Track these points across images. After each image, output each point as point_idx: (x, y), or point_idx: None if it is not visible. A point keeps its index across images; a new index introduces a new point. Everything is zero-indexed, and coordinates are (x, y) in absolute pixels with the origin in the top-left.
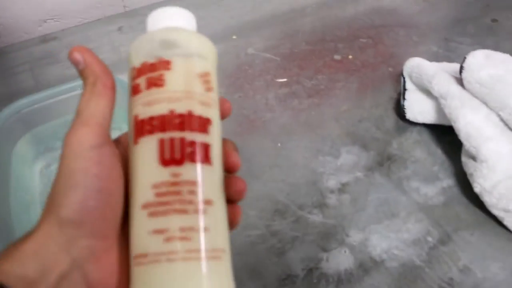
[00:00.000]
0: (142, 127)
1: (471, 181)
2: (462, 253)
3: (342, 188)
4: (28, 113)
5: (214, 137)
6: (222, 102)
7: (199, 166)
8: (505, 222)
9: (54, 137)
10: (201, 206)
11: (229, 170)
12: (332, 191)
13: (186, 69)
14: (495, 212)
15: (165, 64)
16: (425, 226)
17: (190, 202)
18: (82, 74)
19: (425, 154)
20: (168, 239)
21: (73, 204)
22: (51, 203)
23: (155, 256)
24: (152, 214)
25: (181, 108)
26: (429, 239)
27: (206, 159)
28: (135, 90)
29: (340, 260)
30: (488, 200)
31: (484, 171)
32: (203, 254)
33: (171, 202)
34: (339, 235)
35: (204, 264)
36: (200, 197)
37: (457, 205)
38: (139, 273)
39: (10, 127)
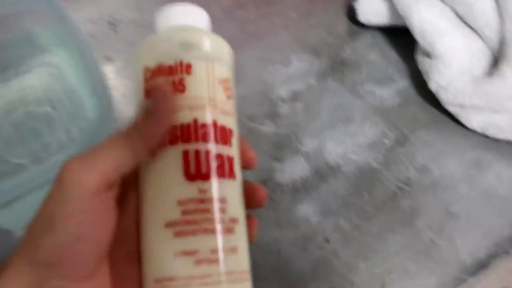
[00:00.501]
0: (177, 136)
1: (426, 79)
2: (419, 152)
3: (294, 96)
4: None
5: (235, 149)
6: (245, 150)
7: (226, 182)
8: (461, 119)
9: None
10: (229, 225)
11: (245, 166)
12: (284, 100)
13: (208, 74)
14: (451, 109)
15: (186, 68)
16: (381, 129)
17: (220, 220)
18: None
19: (379, 57)
20: (199, 262)
21: (48, 247)
22: (26, 241)
23: (185, 280)
24: (179, 234)
25: (204, 117)
26: (386, 141)
27: (231, 174)
28: (150, 93)
29: (295, 169)
30: (445, 97)
31: (440, 67)
32: (238, 276)
33: (200, 221)
34: (293, 143)
35: (242, 287)
36: (228, 215)
37: (413, 106)
38: None
39: None
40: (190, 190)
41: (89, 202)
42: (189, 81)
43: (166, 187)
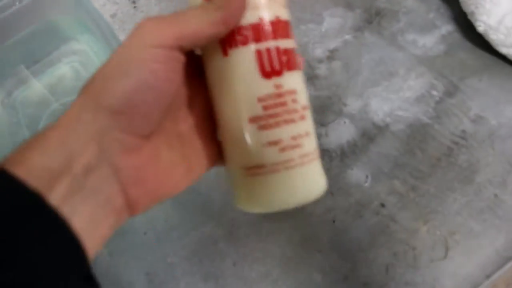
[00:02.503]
0: (233, 37)
1: (473, 20)
2: (471, 102)
3: (331, 55)
4: None
5: (294, 40)
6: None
7: (296, 74)
8: None
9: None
10: (303, 112)
11: None
12: (320, 61)
13: None
14: (503, 50)
15: None
16: (428, 80)
17: (295, 110)
18: None
19: (417, 1)
20: (283, 149)
21: (119, 93)
22: (91, 87)
23: (273, 166)
24: (263, 127)
25: (269, 15)
26: (434, 93)
27: (298, 65)
28: None
29: (340, 132)
30: (495, 38)
31: (487, 6)
32: (312, 156)
33: (280, 114)
34: (335, 106)
35: (315, 164)
36: (300, 104)
37: (461, 51)
38: (258, 183)
39: None
40: (268, 86)
41: (164, 54)
42: None
43: (244, 85)
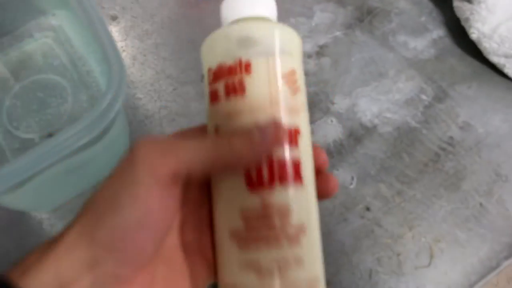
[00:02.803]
0: None
1: (466, 27)
2: (460, 108)
3: (321, 51)
4: None
5: (304, 149)
6: (327, 179)
7: (290, 189)
8: (506, 70)
9: None
10: (294, 234)
11: (317, 170)
12: (309, 56)
13: (269, 70)
14: (494, 59)
15: (245, 67)
16: (417, 84)
17: (283, 231)
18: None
19: (409, 3)
20: (261, 274)
21: (112, 229)
22: (86, 218)
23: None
24: (242, 244)
25: (266, 119)
26: (423, 97)
27: (298, 178)
28: (213, 97)
29: (327, 131)
30: (488, 46)
31: (483, 13)
32: (298, 286)
33: (262, 232)
34: (323, 103)
35: None
36: (293, 224)
37: (451, 57)
38: None
39: None
40: (252, 200)
41: (159, 190)
42: (249, 81)
43: (230, 196)
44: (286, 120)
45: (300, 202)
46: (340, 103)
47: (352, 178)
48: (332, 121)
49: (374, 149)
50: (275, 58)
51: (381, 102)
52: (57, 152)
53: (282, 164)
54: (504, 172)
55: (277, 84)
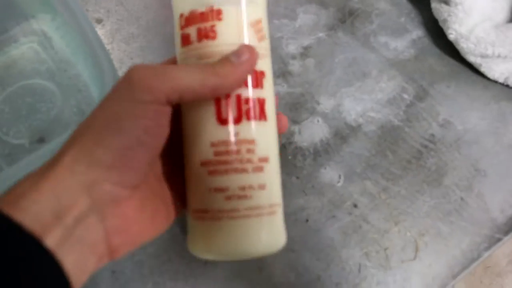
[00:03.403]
0: None
1: (444, 28)
2: (440, 107)
3: (305, 52)
4: None
5: (268, 91)
6: (279, 118)
7: (255, 124)
8: (482, 69)
9: None
10: (258, 164)
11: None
12: (294, 57)
13: (238, 18)
14: (471, 59)
15: (216, 14)
16: (399, 83)
17: (249, 160)
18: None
19: (389, 5)
20: (229, 198)
21: (112, 149)
22: (83, 140)
23: (217, 213)
24: (212, 173)
25: None
26: (405, 96)
27: (262, 116)
28: (185, 41)
29: (314, 131)
30: (465, 46)
31: (460, 15)
32: (261, 210)
33: (230, 161)
34: (308, 103)
35: (263, 220)
36: (258, 155)
37: (430, 57)
38: (199, 227)
39: None
40: (222, 133)
41: (154, 110)
42: (220, 27)
43: (201, 130)
44: (259, 65)
45: (264, 136)
46: (325, 103)
47: (339, 176)
48: (318, 121)
49: (359, 148)
50: (244, 6)
51: (365, 102)
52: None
53: (249, 102)
54: (482, 167)
55: (246, 31)
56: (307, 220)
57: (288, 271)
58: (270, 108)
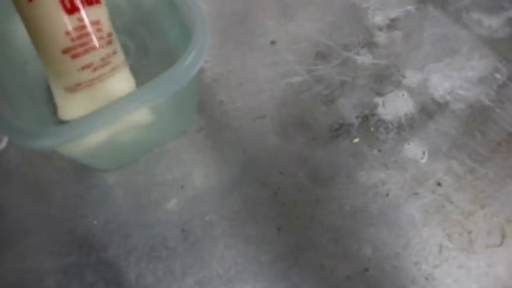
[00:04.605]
0: None
1: None
2: None
3: (392, 24)
4: None
5: None
6: None
7: (94, 8)
8: None
9: None
10: (108, 38)
11: None
12: (380, 28)
13: None
14: None
15: None
16: (491, 62)
17: (101, 38)
18: None
19: None
20: (95, 69)
21: None
22: None
23: (89, 82)
24: (75, 56)
25: None
26: (498, 76)
27: (97, 0)
28: None
29: (398, 104)
30: None
31: None
32: (119, 67)
33: (87, 42)
34: (394, 76)
35: (123, 71)
36: (105, 31)
37: None
38: (77, 97)
39: None
40: (71, 21)
41: None
42: None
43: (51, 23)
44: None
45: (104, 16)
46: (412, 77)
47: (424, 153)
48: (403, 94)
49: (446, 125)
50: None
51: (453, 79)
52: (138, 103)
53: None
54: None
55: None
56: (387, 195)
57: (365, 245)
58: None
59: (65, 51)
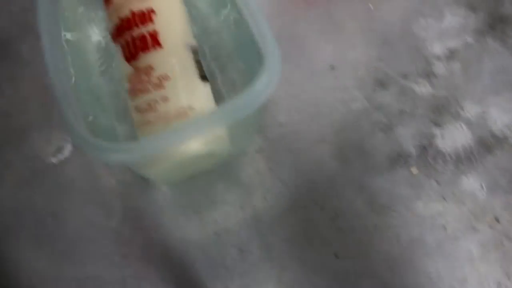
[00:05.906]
0: (115, 33)
1: None
2: None
3: (450, 55)
4: None
5: (161, 21)
6: None
7: (151, 53)
8: None
9: None
10: (158, 82)
11: None
12: (439, 58)
13: None
14: None
15: None
16: None
17: (149, 81)
18: None
19: None
20: (141, 112)
21: None
22: None
23: (138, 124)
24: (131, 96)
25: (123, 12)
26: None
27: (156, 44)
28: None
29: (456, 136)
30: None
31: None
32: (169, 116)
33: (137, 85)
34: (452, 108)
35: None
36: (155, 76)
37: None
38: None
39: None
40: (129, 68)
41: None
42: None
43: (122, 66)
44: (137, 5)
45: (161, 59)
46: (470, 110)
47: (482, 187)
48: (461, 126)
49: (505, 160)
50: None
51: None
52: (218, 121)
53: (140, 38)
54: None
55: None
56: (444, 227)
57: (422, 277)
58: (168, 34)
59: (128, 91)
